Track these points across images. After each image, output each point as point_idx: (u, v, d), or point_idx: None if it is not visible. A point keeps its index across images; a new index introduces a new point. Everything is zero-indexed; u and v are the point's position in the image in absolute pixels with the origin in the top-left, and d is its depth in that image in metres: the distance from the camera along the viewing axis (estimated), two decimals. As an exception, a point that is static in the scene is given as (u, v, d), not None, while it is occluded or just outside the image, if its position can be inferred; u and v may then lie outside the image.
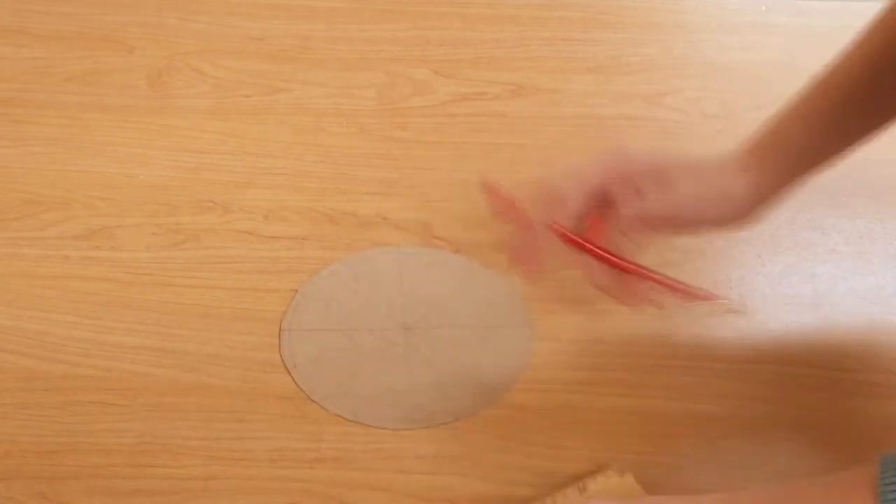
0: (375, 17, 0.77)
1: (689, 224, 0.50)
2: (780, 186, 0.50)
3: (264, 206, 0.64)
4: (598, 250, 0.48)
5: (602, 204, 0.49)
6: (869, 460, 0.37)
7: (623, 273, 0.49)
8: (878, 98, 0.47)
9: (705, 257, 0.61)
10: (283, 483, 0.51)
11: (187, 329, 0.57)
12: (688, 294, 0.50)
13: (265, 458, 0.52)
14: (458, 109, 0.71)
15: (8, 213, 0.63)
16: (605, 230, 0.49)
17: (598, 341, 0.57)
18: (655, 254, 0.61)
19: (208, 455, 0.52)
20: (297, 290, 0.58)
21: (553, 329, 0.57)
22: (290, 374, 0.55)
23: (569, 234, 0.48)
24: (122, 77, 0.72)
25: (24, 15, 0.76)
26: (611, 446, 0.52)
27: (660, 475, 0.51)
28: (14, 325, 0.57)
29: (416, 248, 0.61)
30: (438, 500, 0.51)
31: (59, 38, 0.74)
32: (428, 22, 0.77)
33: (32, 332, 0.57)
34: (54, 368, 0.55)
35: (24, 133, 0.68)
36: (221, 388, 0.54)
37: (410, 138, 0.68)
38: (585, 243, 0.48)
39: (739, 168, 0.49)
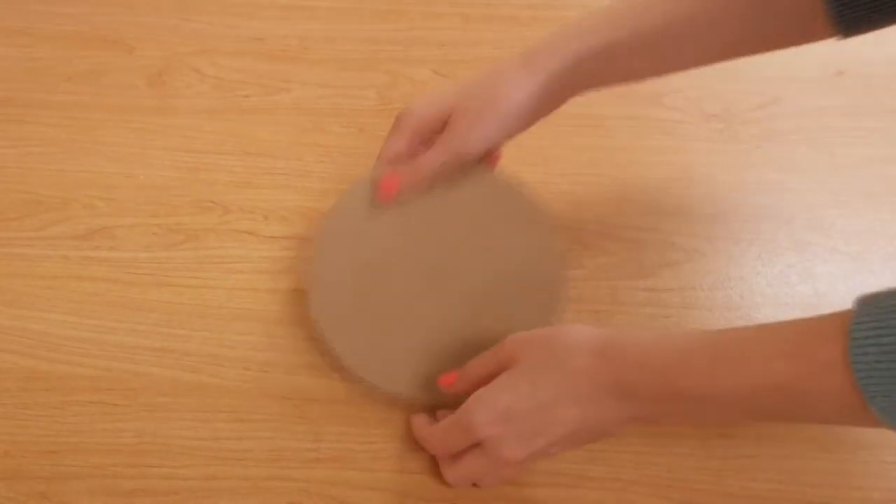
0: (375, 17, 0.77)
1: (473, 144, 0.52)
2: (556, 90, 0.52)
3: (264, 206, 0.64)
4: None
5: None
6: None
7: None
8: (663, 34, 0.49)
9: (705, 257, 0.61)
10: (283, 483, 0.51)
11: (187, 329, 0.57)
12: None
13: (265, 458, 0.52)
14: (458, 109, 0.71)
15: (8, 213, 0.63)
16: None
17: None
18: (656, 254, 0.61)
19: (208, 455, 0.52)
20: (326, 212, 0.54)
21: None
22: (315, 326, 0.53)
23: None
24: (122, 77, 0.72)
25: (24, 15, 0.76)
26: (610, 446, 0.52)
27: (660, 474, 0.51)
28: (14, 325, 0.57)
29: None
30: (438, 500, 0.51)
31: (59, 38, 0.74)
32: (428, 22, 0.77)
33: (32, 332, 0.57)
34: (54, 368, 0.55)
35: (24, 133, 0.68)
36: (221, 388, 0.54)
37: (410, 138, 0.68)
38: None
39: (514, 72, 0.51)
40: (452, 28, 0.77)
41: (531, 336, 0.47)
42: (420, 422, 0.51)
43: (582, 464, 0.52)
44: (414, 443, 0.52)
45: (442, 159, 0.52)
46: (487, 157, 0.56)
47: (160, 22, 0.76)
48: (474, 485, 0.49)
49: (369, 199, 0.54)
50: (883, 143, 0.67)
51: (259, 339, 0.57)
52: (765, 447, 0.52)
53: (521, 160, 0.67)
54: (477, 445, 0.46)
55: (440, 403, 0.52)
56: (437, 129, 0.53)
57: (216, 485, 0.51)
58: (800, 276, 0.60)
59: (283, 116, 0.69)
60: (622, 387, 0.43)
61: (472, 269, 0.53)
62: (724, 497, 0.51)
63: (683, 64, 0.51)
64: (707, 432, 0.53)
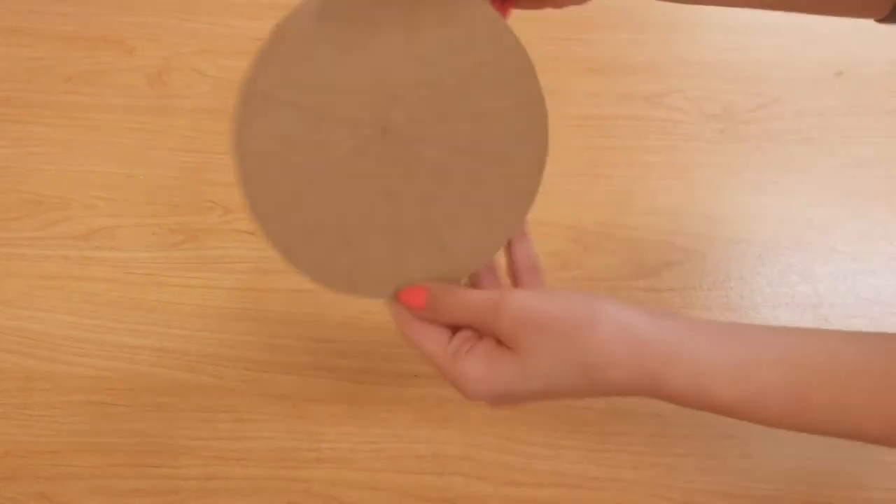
0: (375, 17, 0.77)
1: None
2: None
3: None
4: None
5: None
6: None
7: None
8: None
9: (705, 257, 0.61)
10: (283, 483, 0.51)
11: (187, 329, 0.57)
12: None
13: (265, 458, 0.52)
14: (458, 109, 0.71)
15: (8, 213, 0.63)
16: None
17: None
18: (656, 254, 0.61)
19: (208, 455, 0.52)
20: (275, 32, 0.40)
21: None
22: (237, 167, 0.40)
23: None
24: (122, 77, 0.72)
25: (24, 15, 0.76)
26: (610, 446, 0.52)
27: (660, 474, 0.51)
28: (14, 325, 0.57)
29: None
30: (438, 500, 0.51)
31: (59, 38, 0.74)
32: (428, 22, 0.77)
33: (32, 332, 0.57)
34: (54, 368, 0.55)
35: (24, 133, 0.68)
36: (221, 388, 0.54)
37: (410, 138, 0.68)
38: None
39: None
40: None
41: (544, 322, 0.37)
42: (406, 318, 0.41)
43: (582, 464, 0.52)
44: (413, 441, 0.52)
45: None
46: None
47: (160, 22, 0.76)
48: None
49: (315, 23, 0.40)
50: (883, 143, 0.67)
51: (259, 339, 0.57)
52: (765, 447, 0.52)
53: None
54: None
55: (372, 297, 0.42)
56: None
57: (216, 485, 0.51)
58: (800, 276, 0.60)
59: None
60: (667, 398, 0.37)
61: (437, 134, 0.42)
62: (724, 497, 0.51)
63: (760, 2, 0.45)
64: (707, 432, 0.53)
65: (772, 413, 0.36)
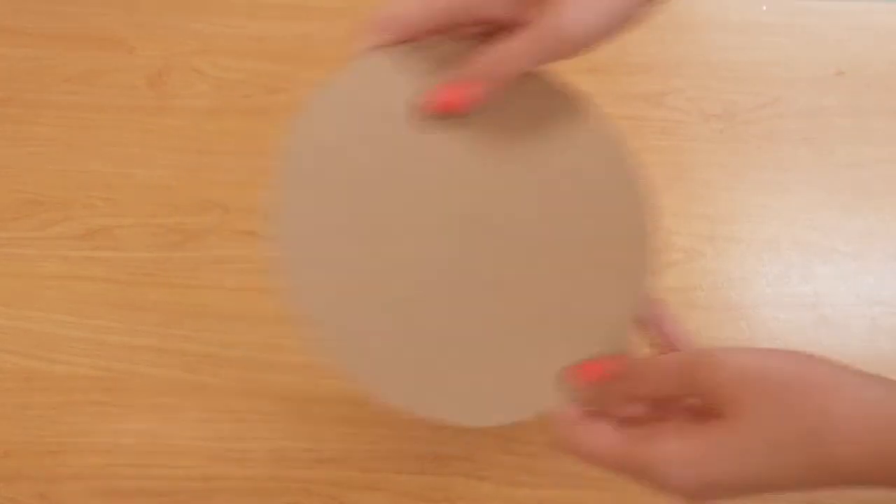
0: (375, 17, 0.77)
1: (575, 32, 0.35)
2: None
3: (264, 206, 0.64)
4: None
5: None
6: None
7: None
8: None
9: (705, 257, 0.61)
10: (283, 483, 0.51)
11: (187, 329, 0.57)
12: None
13: (265, 458, 0.52)
14: (458, 109, 0.71)
15: (8, 212, 0.63)
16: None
17: (598, 341, 0.57)
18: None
19: (208, 455, 0.52)
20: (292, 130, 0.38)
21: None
22: (301, 318, 0.35)
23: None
24: (122, 77, 0.72)
25: (24, 15, 0.76)
26: (611, 446, 0.52)
27: (660, 475, 0.51)
28: (14, 325, 0.57)
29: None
30: (438, 500, 0.51)
31: (59, 38, 0.74)
32: (428, 22, 0.77)
33: (32, 332, 0.57)
34: (54, 368, 0.55)
35: (24, 133, 0.68)
36: (221, 388, 0.54)
37: (410, 138, 0.68)
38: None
39: None
40: (452, 28, 0.77)
41: (775, 377, 0.30)
42: (570, 419, 0.36)
43: (583, 464, 0.52)
44: (413, 441, 0.52)
45: (533, 54, 0.35)
46: None
47: (160, 22, 0.76)
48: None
49: (366, 102, 0.37)
50: (883, 142, 0.67)
51: (259, 339, 0.57)
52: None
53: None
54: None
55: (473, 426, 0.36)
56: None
57: (216, 485, 0.51)
58: (800, 276, 0.60)
59: (283, 116, 0.69)
60: None
61: (524, 224, 0.36)
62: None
63: None
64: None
65: None
